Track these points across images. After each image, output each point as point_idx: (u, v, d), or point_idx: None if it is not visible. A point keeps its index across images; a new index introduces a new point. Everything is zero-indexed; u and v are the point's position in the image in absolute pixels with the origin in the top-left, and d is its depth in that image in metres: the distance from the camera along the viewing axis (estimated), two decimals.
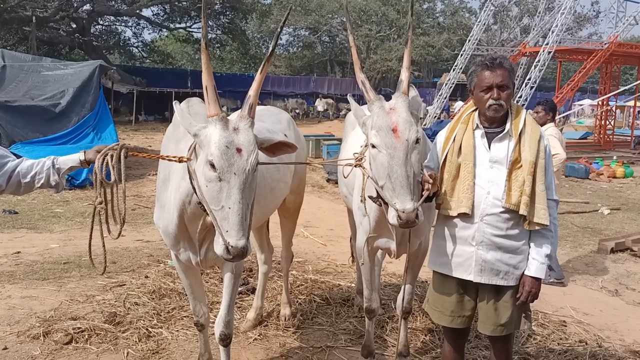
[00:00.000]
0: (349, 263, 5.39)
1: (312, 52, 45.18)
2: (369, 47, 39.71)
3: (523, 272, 2.54)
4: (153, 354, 3.65)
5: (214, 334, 3.09)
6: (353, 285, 4.92)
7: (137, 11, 30.65)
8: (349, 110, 3.13)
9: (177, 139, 2.74)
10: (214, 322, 3.09)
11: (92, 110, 11.30)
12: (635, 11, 20.42)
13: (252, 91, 2.33)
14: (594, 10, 39.41)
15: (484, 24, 26.12)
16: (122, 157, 2.46)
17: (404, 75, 2.59)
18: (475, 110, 2.62)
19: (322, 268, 5.61)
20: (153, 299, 4.50)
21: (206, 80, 2.27)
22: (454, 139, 2.60)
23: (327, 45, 46.05)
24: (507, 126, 2.53)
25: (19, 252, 5.81)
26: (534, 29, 28.22)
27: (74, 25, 29.62)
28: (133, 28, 34.70)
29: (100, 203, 2.50)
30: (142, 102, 26.44)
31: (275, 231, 5.04)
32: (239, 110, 2.38)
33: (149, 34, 43.47)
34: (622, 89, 20.61)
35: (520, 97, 19.26)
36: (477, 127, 2.58)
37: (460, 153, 2.57)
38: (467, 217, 2.53)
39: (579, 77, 19.51)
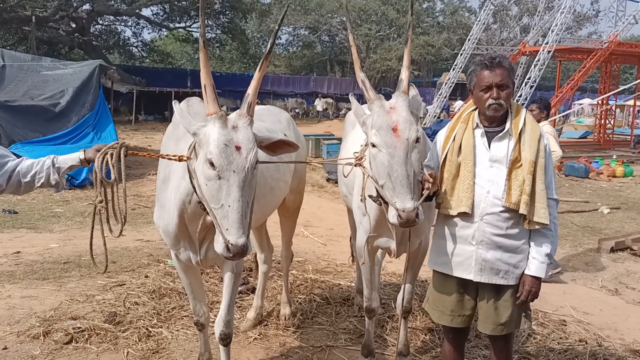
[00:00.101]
0: (349, 262, 5.39)
1: (311, 51, 45.18)
2: (369, 47, 39.71)
3: (523, 272, 2.54)
4: (153, 353, 3.65)
5: (214, 333, 3.09)
6: (353, 284, 4.92)
7: (137, 11, 30.65)
8: (349, 109, 3.13)
9: (177, 139, 2.74)
10: (214, 322, 3.09)
11: (92, 110, 11.30)
12: (635, 10, 20.45)
13: (251, 89, 2.33)
14: (593, 10, 39.46)
15: (484, 23, 26.15)
16: (122, 155, 2.46)
17: (404, 75, 2.59)
18: (475, 109, 2.62)
19: (322, 267, 5.61)
20: (153, 298, 4.50)
21: (205, 79, 2.28)
22: (454, 138, 2.60)
23: (326, 45, 46.06)
24: (507, 125, 2.53)
25: (18, 252, 5.81)
26: (533, 28, 28.25)
27: (74, 25, 29.62)
28: (133, 28, 34.77)
29: (101, 202, 2.50)
30: (142, 102, 26.46)
31: (275, 231, 5.04)
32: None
33: (149, 33, 43.61)
34: (621, 88, 20.60)
35: (520, 96, 19.27)
36: (477, 126, 2.58)
37: (460, 152, 2.57)
38: (467, 216, 2.52)
39: (579, 77, 19.52)
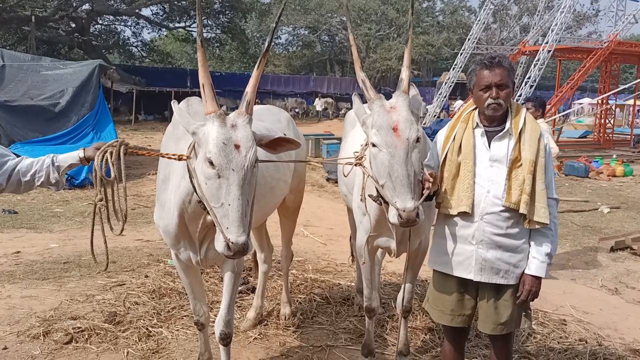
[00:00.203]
0: (349, 262, 5.39)
1: (311, 51, 45.19)
2: (369, 46, 39.72)
3: (523, 271, 2.54)
4: (153, 353, 3.65)
5: (214, 333, 3.09)
6: (353, 284, 4.92)
7: (137, 10, 30.65)
8: (349, 109, 3.13)
9: (176, 138, 2.74)
10: (214, 322, 3.09)
11: (92, 110, 11.30)
12: (635, 10, 20.44)
13: (250, 88, 2.33)
14: (593, 9, 39.47)
15: (484, 22, 26.16)
16: (121, 153, 2.46)
17: (405, 74, 2.59)
18: (475, 109, 2.62)
19: (322, 267, 5.61)
20: (153, 298, 4.50)
21: (203, 77, 2.28)
22: (454, 138, 2.60)
23: (326, 45, 46.06)
24: (507, 125, 2.52)
25: (18, 252, 5.81)
26: (533, 27, 28.24)
27: (73, 25, 29.61)
28: (132, 27, 34.77)
29: (101, 200, 2.49)
30: (142, 102, 26.45)
31: (275, 230, 5.04)
32: None
33: (149, 33, 43.57)
34: (621, 87, 20.59)
35: (520, 95, 19.26)
36: (477, 125, 2.58)
37: (460, 152, 2.56)
38: (467, 215, 2.52)
39: (579, 76, 19.52)
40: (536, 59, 19.99)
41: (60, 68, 12.67)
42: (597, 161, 14.04)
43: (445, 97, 25.78)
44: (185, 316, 4.18)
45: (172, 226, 2.72)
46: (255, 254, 4.49)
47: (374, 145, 2.49)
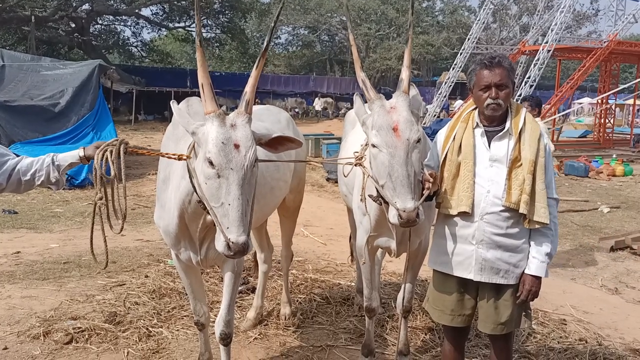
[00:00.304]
0: (348, 262, 5.39)
1: (311, 51, 45.20)
2: (369, 46, 39.73)
3: (523, 271, 2.54)
4: (153, 353, 3.65)
5: (214, 333, 3.09)
6: (353, 284, 4.92)
7: (136, 10, 30.64)
8: (349, 109, 3.14)
9: (176, 138, 2.74)
10: (214, 322, 3.09)
11: (92, 110, 11.30)
12: (635, 9, 20.43)
13: (249, 87, 2.33)
14: (593, 9, 39.47)
15: (483, 22, 26.17)
16: (121, 152, 2.46)
17: (405, 74, 2.59)
18: (475, 109, 2.62)
19: (322, 267, 5.61)
20: (153, 298, 4.50)
21: (202, 77, 2.28)
22: (454, 138, 2.60)
23: (326, 44, 46.07)
24: (507, 125, 2.52)
25: (18, 252, 5.81)
26: (533, 27, 28.27)
27: (73, 25, 29.60)
28: (132, 27, 34.75)
29: (101, 199, 2.49)
30: (142, 102, 26.44)
31: (275, 230, 5.04)
32: None
33: (148, 33, 43.47)
34: (621, 87, 20.58)
35: (520, 95, 19.25)
36: (477, 125, 2.58)
37: (460, 152, 2.56)
38: (467, 215, 2.52)
39: (579, 76, 19.52)
40: (536, 58, 20.00)
41: (60, 68, 12.67)
42: (597, 161, 14.04)
43: (445, 96, 25.79)
44: (185, 316, 4.18)
45: (173, 226, 2.72)
46: (255, 254, 4.49)
47: (374, 145, 2.49)
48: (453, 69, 25.12)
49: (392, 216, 2.43)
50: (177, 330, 3.98)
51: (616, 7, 22.18)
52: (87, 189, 9.19)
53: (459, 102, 23.10)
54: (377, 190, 2.56)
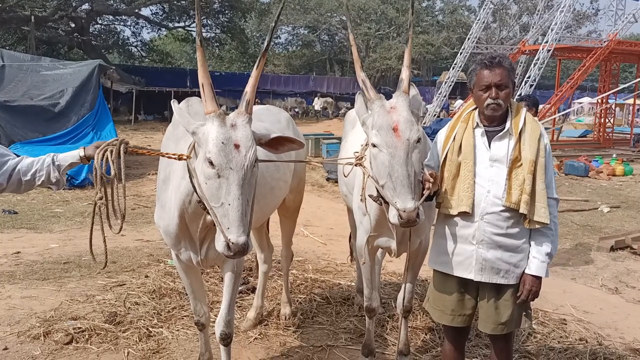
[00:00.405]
0: (348, 262, 5.39)
1: (311, 50, 45.21)
2: (368, 46, 39.73)
3: (523, 271, 2.54)
4: (153, 353, 3.65)
5: (214, 333, 3.09)
6: (353, 284, 4.92)
7: (136, 10, 30.64)
8: (349, 108, 3.14)
9: (176, 138, 2.74)
10: (214, 322, 3.09)
11: (92, 110, 11.30)
12: (634, 9, 20.43)
13: (249, 87, 2.33)
14: (593, 8, 39.48)
15: (483, 22, 26.17)
16: (121, 152, 2.46)
17: (405, 74, 2.59)
18: (475, 109, 2.62)
19: (322, 267, 5.61)
20: (153, 298, 4.50)
21: (202, 77, 2.28)
22: (454, 138, 2.60)
23: (326, 44, 46.07)
24: (507, 125, 2.52)
25: (18, 252, 5.81)
26: (533, 27, 28.28)
27: (73, 25, 29.60)
28: (132, 27, 34.76)
29: (101, 199, 2.49)
30: (142, 102, 26.45)
31: (275, 230, 5.04)
32: None
33: (148, 33, 43.39)
34: (621, 86, 20.59)
35: (520, 95, 19.26)
36: (477, 125, 2.58)
37: (460, 152, 2.56)
38: (467, 215, 2.52)
39: (579, 75, 19.52)
40: (536, 58, 20.00)
41: (60, 68, 12.67)
42: (597, 160, 14.04)
43: (445, 96, 25.80)
44: (185, 316, 4.18)
45: (173, 226, 2.72)
46: (255, 254, 4.49)
47: (374, 145, 2.49)
48: (453, 68, 25.13)
49: (393, 216, 2.43)
50: (178, 330, 3.98)
51: (616, 6, 22.20)
52: (87, 189, 9.19)
53: (459, 102, 23.12)
54: (377, 190, 2.56)
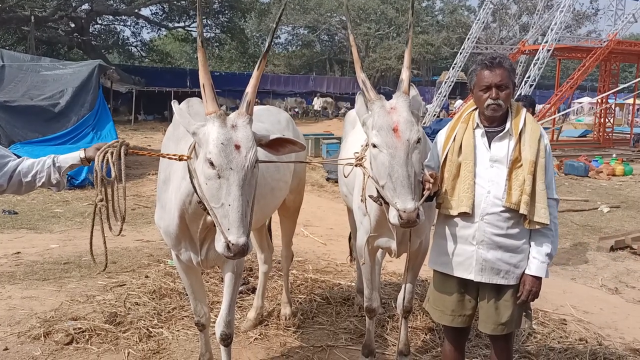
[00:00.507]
0: (347, 261, 5.40)
1: (311, 50, 45.21)
2: (368, 46, 39.73)
3: (524, 271, 2.55)
4: (154, 354, 3.65)
5: (214, 333, 3.09)
6: (353, 284, 4.92)
7: (136, 10, 30.63)
8: (349, 108, 3.14)
9: (177, 139, 2.74)
10: (214, 322, 3.09)
11: (92, 110, 11.31)
12: (634, 9, 20.45)
13: (250, 88, 2.34)
14: (593, 8, 39.50)
15: (483, 22, 26.19)
16: (122, 154, 2.46)
17: (405, 75, 2.59)
18: (475, 109, 2.62)
19: (322, 267, 5.61)
20: (153, 298, 4.50)
21: (203, 78, 2.28)
22: (454, 138, 2.60)
23: (326, 44, 46.08)
24: (507, 125, 2.53)
25: (19, 253, 5.81)
26: (533, 27, 28.29)
27: (73, 25, 29.59)
28: (132, 27, 34.76)
29: (101, 200, 2.50)
30: (141, 102, 26.45)
31: (275, 231, 5.03)
32: None
33: (148, 33, 43.40)
34: (621, 86, 20.58)
35: (519, 95, 19.24)
36: (478, 126, 2.58)
37: (460, 152, 2.57)
38: (467, 216, 2.53)
39: (578, 75, 19.52)
40: (536, 58, 20.00)
41: (59, 68, 12.68)
42: (596, 160, 14.05)
43: (445, 96, 25.80)
44: (185, 317, 4.19)
45: (173, 227, 2.72)
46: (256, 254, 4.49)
47: (374, 146, 2.49)
48: (453, 68, 25.14)
49: (393, 217, 2.43)
50: (178, 330, 3.99)
51: (616, 6, 22.21)
52: (87, 189, 9.20)
53: (459, 102, 23.12)
54: (378, 191, 2.56)
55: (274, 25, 2.48)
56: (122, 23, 33.98)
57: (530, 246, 2.55)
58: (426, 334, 4.04)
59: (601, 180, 12.51)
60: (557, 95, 19.42)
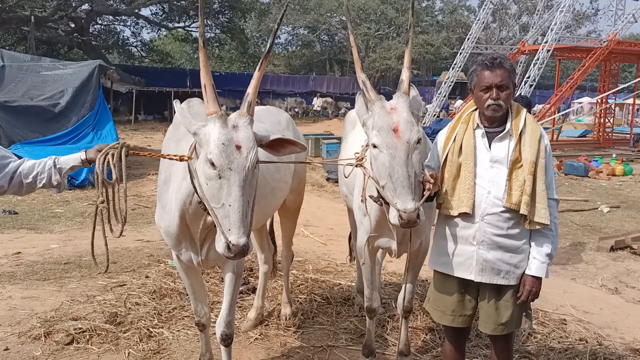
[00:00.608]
0: (347, 261, 5.40)
1: (311, 50, 45.21)
2: (368, 46, 39.73)
3: (524, 272, 2.55)
4: (154, 354, 3.65)
5: (215, 333, 3.09)
6: (353, 284, 4.92)
7: (136, 10, 30.63)
8: (349, 108, 3.14)
9: (177, 139, 2.74)
10: (215, 322, 3.10)
11: (92, 110, 11.31)
12: (634, 9, 20.44)
13: (251, 89, 2.34)
14: (592, 8, 39.50)
15: (483, 22, 26.19)
16: (123, 155, 2.46)
17: (405, 75, 2.59)
18: (475, 109, 2.62)
19: (322, 267, 5.61)
20: (154, 299, 4.50)
21: (204, 78, 2.28)
22: (455, 139, 2.60)
23: (325, 44, 46.08)
24: (508, 126, 2.53)
25: (19, 253, 5.81)
26: (532, 27, 28.29)
27: (73, 25, 29.59)
28: (132, 27, 34.76)
29: (102, 202, 2.50)
30: (142, 102, 26.48)
31: (275, 231, 5.04)
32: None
33: (148, 33, 43.47)
34: (621, 86, 20.58)
35: (519, 94, 19.23)
36: (478, 126, 2.58)
37: (460, 153, 2.57)
38: (467, 216, 2.53)
39: (578, 75, 19.52)
40: (535, 58, 20.00)
41: (60, 68, 12.68)
42: (596, 160, 14.05)
43: (444, 96, 25.80)
44: (186, 317, 4.19)
45: (174, 227, 2.72)
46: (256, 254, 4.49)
47: (374, 146, 2.49)
48: (453, 68, 25.14)
49: (393, 217, 2.43)
50: (178, 330, 3.99)
51: (616, 6, 22.22)
52: (87, 189, 9.21)
53: (459, 102, 23.12)
54: (378, 191, 2.57)
55: (276, 27, 2.49)
56: (122, 23, 34.01)
57: (530, 246, 2.55)
58: (426, 334, 4.04)
59: (601, 180, 12.51)
60: (557, 96, 19.43)
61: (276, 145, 2.45)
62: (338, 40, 43.49)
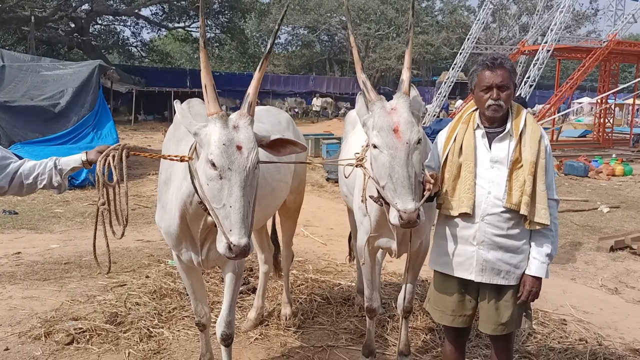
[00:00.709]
0: (347, 261, 5.40)
1: (310, 51, 45.22)
2: (368, 46, 39.73)
3: (524, 272, 2.55)
4: (154, 354, 3.65)
5: (215, 333, 3.09)
6: (353, 284, 4.92)
7: (136, 11, 30.64)
8: (349, 108, 3.14)
9: (178, 140, 2.75)
10: (215, 322, 3.10)
11: (92, 110, 11.32)
12: (634, 9, 20.42)
13: (251, 89, 2.34)
14: (592, 9, 39.48)
15: (483, 22, 26.18)
16: (123, 157, 2.47)
17: (405, 75, 2.59)
18: (476, 110, 2.63)
19: (322, 267, 5.61)
20: (154, 299, 4.50)
21: (205, 79, 2.28)
22: (455, 139, 2.60)
23: (325, 44, 46.08)
24: (508, 126, 2.53)
25: (19, 253, 5.81)
26: (532, 27, 28.29)
27: (73, 25, 29.60)
28: (132, 27, 34.78)
29: (103, 204, 2.50)
30: (141, 102, 26.48)
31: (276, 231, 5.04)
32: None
33: (148, 33, 43.55)
34: (621, 87, 20.58)
35: (520, 95, 19.24)
36: (478, 127, 2.59)
37: (461, 153, 2.57)
38: (468, 216, 2.53)
39: (578, 75, 19.51)
40: (535, 58, 19.99)
41: (60, 68, 12.69)
42: (596, 160, 14.05)
43: (444, 96, 25.80)
44: (186, 317, 4.19)
45: (174, 227, 2.72)
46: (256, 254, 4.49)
47: (374, 146, 2.49)
48: (452, 68, 25.14)
49: (393, 217, 2.43)
50: (178, 330, 3.99)
51: (615, 6, 22.21)
52: (87, 189, 9.21)
53: (459, 102, 23.11)
54: (378, 191, 2.57)
55: (276, 27, 2.49)
56: (122, 23, 34.03)
57: (530, 247, 2.55)
58: (426, 334, 4.05)
59: (601, 180, 12.52)
60: (557, 96, 19.43)
61: (276, 146, 2.45)
62: (338, 41, 43.50)
